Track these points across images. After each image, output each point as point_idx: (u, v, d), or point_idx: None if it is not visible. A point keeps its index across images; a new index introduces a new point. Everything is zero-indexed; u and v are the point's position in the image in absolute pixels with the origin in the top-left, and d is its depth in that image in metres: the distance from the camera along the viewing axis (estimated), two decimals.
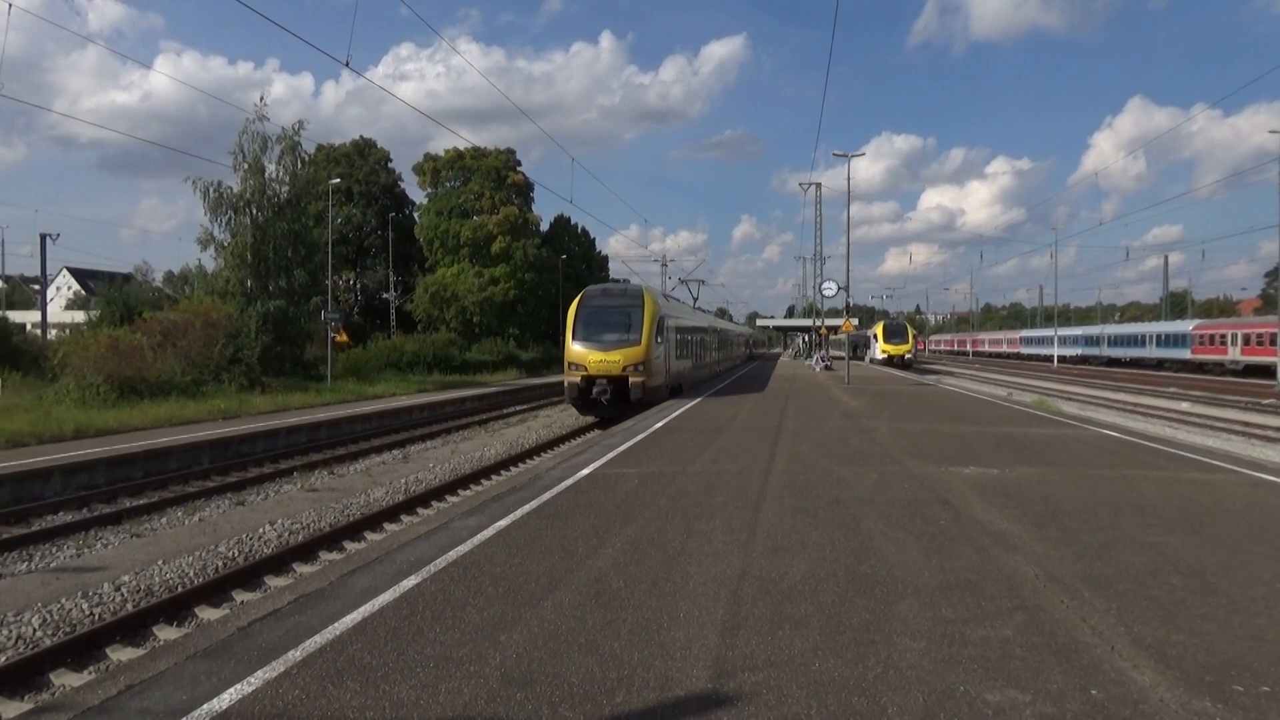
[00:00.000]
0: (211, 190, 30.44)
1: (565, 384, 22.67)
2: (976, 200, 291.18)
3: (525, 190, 59.13)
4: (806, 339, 69.63)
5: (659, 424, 16.30)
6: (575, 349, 22.19)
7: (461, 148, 58.25)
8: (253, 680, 3.99)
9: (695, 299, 44.71)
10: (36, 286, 63.15)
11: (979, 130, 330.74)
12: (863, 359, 60.64)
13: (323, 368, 32.89)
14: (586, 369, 21.83)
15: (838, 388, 29.01)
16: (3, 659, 6.76)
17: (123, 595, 8.39)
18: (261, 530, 11.15)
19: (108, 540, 10.80)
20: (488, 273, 54.93)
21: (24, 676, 6.44)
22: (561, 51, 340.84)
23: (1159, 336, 58.44)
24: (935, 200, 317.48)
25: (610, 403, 21.91)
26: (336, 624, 4.77)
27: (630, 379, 21.65)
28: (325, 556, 10.09)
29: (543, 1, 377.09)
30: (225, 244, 30.98)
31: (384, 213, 57.62)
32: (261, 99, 39.87)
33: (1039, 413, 19.98)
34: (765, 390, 27.32)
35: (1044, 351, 72.11)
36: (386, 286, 55.96)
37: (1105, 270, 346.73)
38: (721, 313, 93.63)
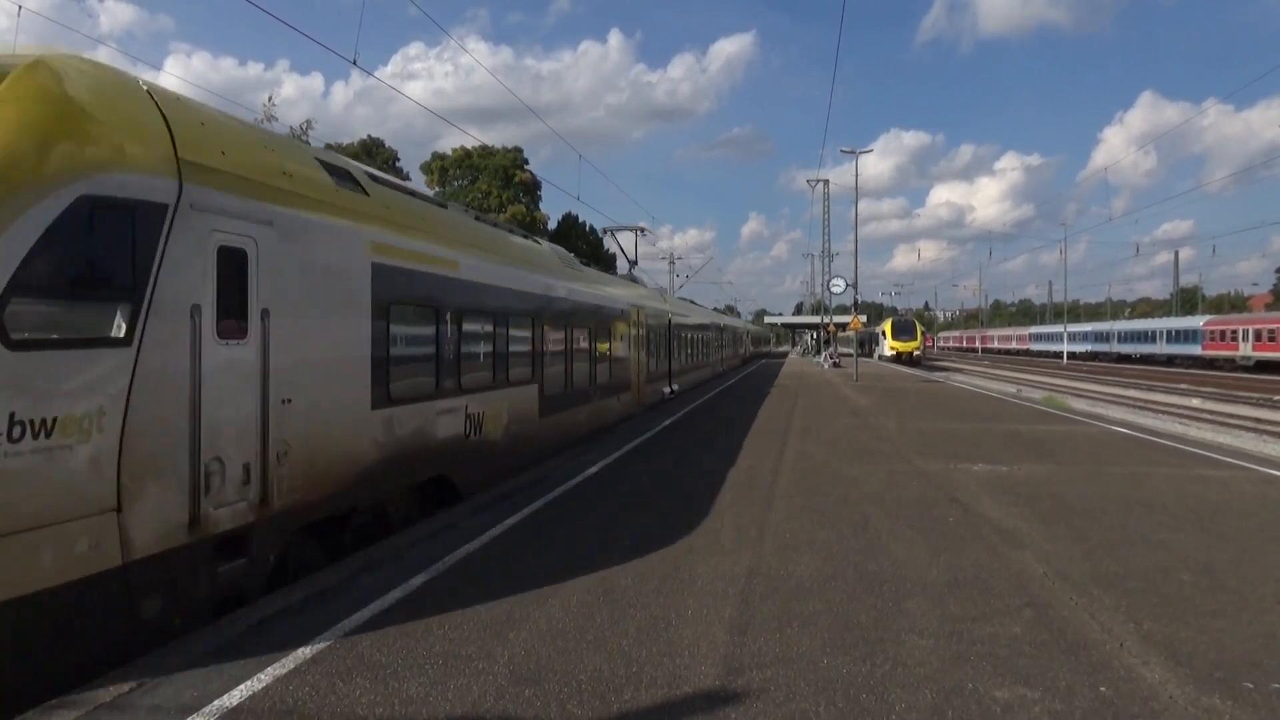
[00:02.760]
0: None
1: None
2: (985, 196, 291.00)
3: (533, 189, 59.14)
4: (815, 336, 69.39)
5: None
6: None
7: (469, 146, 58.28)
8: (263, 677, 4.02)
9: (633, 263, 27.41)
10: None
11: (988, 126, 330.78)
12: (871, 356, 60.44)
13: None
14: None
15: (846, 385, 28.94)
16: None
17: None
18: None
19: None
20: None
21: None
22: (570, 50, 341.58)
23: (1169, 333, 58.10)
24: (944, 196, 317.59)
25: None
26: (346, 621, 4.80)
27: None
28: None
29: (551, 0, 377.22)
30: None
31: None
32: (270, 99, 40.06)
33: (1048, 409, 19.90)
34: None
35: (1053, 348, 71.76)
36: None
37: (1115, 266, 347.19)
38: (729, 310, 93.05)
